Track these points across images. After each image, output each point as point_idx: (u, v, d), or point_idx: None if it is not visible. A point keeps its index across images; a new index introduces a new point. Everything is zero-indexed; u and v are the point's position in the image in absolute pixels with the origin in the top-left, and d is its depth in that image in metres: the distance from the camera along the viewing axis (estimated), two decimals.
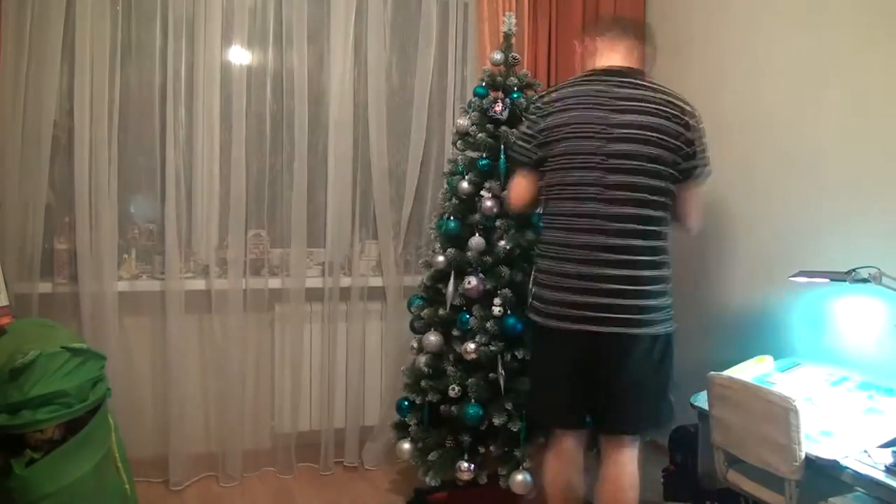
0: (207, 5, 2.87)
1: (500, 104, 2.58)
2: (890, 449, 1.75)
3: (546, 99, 2.11)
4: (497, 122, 2.58)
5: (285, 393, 3.09)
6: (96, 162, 2.74)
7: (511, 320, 2.38)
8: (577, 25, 3.32)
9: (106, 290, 2.78)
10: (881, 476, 1.67)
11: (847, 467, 1.73)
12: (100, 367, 2.15)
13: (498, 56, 2.67)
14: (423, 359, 2.61)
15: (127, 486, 2.21)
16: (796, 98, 2.61)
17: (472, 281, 2.46)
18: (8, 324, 2.14)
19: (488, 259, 2.49)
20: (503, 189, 2.52)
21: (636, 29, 2.23)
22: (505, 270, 2.45)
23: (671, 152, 1.96)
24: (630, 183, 1.95)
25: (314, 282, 3.12)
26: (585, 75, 2.09)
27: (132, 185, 2.95)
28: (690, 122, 2.01)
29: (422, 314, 2.61)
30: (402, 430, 2.68)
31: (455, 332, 2.54)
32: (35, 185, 2.68)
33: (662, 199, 1.99)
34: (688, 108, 2.03)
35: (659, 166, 1.95)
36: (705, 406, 2.11)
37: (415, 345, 2.70)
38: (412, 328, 2.73)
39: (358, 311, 3.18)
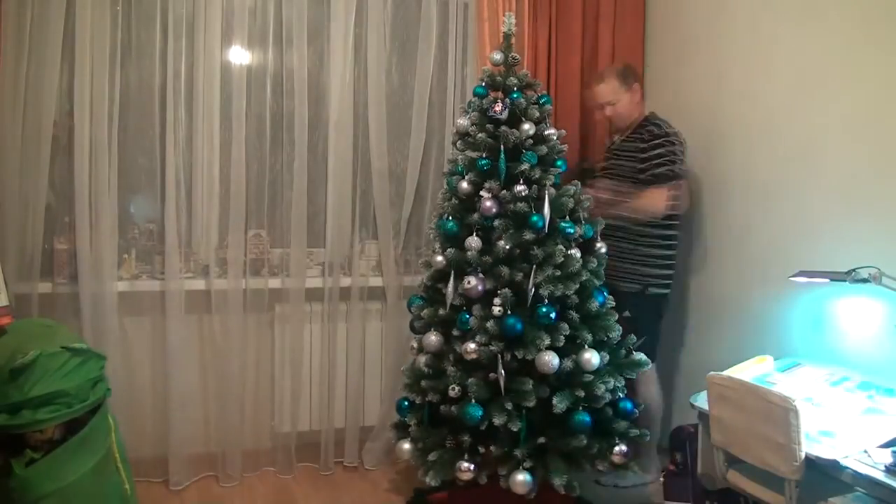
0: (207, 5, 2.87)
1: (500, 104, 2.58)
2: (890, 449, 1.75)
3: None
4: (497, 122, 2.58)
5: (285, 393, 3.09)
6: (96, 162, 2.74)
7: (511, 320, 2.38)
8: (577, 26, 3.33)
9: (106, 290, 2.78)
10: (881, 476, 1.67)
11: (847, 467, 1.73)
12: (100, 367, 2.15)
13: (498, 56, 2.67)
14: (423, 359, 2.61)
15: (127, 486, 2.21)
16: (796, 98, 2.61)
17: (471, 281, 2.46)
18: (8, 324, 2.14)
19: (488, 259, 2.49)
20: (503, 189, 2.52)
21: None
22: (505, 270, 2.45)
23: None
24: None
25: (314, 282, 3.12)
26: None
27: (132, 185, 2.95)
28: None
29: (422, 314, 2.61)
30: (402, 430, 2.68)
31: (455, 332, 2.53)
32: (35, 185, 2.68)
33: None
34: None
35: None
36: (705, 406, 2.11)
37: (415, 345, 2.70)
38: (412, 328, 2.73)
39: (358, 311, 3.18)
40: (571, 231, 2.48)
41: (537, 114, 2.59)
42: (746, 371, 2.26)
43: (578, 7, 3.32)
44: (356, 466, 3.15)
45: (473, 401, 2.38)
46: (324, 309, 3.13)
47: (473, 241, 2.51)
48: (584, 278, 2.50)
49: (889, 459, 1.70)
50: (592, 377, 2.42)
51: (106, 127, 2.76)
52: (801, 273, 2.36)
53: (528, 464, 2.36)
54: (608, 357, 2.51)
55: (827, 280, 2.28)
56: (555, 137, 2.63)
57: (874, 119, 2.32)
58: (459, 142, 2.66)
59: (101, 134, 2.74)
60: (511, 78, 2.64)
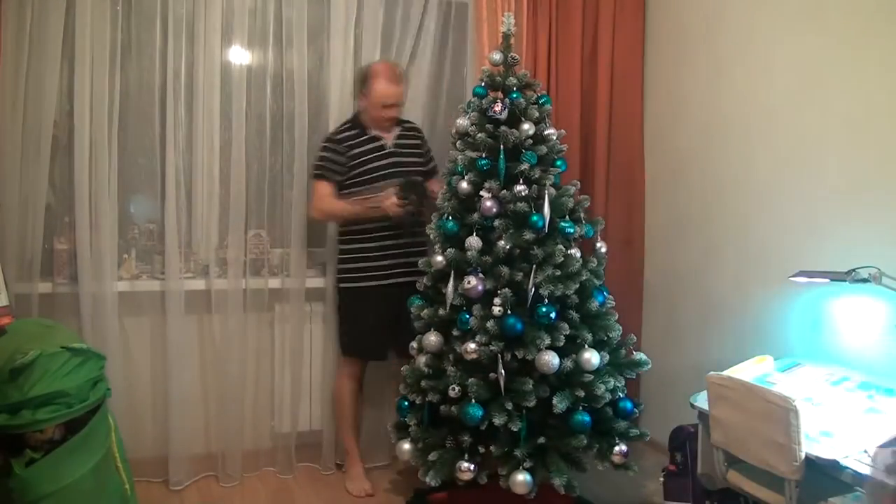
0: (207, 5, 2.87)
1: (500, 104, 2.58)
2: (890, 449, 1.75)
3: None
4: (496, 122, 2.58)
5: (285, 393, 3.09)
6: (96, 162, 2.75)
7: (511, 320, 2.38)
8: (577, 26, 3.33)
9: (106, 290, 2.78)
10: (881, 476, 1.67)
11: (847, 467, 1.73)
12: (100, 367, 2.15)
13: (497, 56, 2.67)
14: (423, 359, 2.61)
15: (127, 486, 2.21)
16: (796, 98, 2.61)
17: (471, 281, 2.45)
18: (8, 324, 2.14)
19: (488, 259, 2.49)
20: (503, 189, 2.53)
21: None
22: (505, 270, 2.45)
23: None
24: None
25: (314, 282, 3.12)
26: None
27: (132, 185, 2.95)
28: None
29: (422, 314, 2.61)
30: (402, 430, 2.68)
31: (455, 332, 2.53)
32: (35, 185, 2.68)
33: None
34: None
35: None
36: (705, 406, 2.11)
37: (415, 345, 2.70)
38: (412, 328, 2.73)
39: None
40: (571, 231, 2.48)
41: (537, 114, 2.59)
42: (746, 371, 2.26)
43: (578, 7, 3.32)
44: None
45: (473, 401, 2.38)
46: (324, 309, 3.13)
47: (473, 241, 2.50)
48: (584, 278, 2.50)
49: (889, 459, 1.70)
50: (592, 377, 2.42)
51: (106, 127, 2.76)
52: (801, 273, 2.36)
53: (528, 464, 2.36)
54: (608, 357, 2.51)
55: (827, 280, 2.28)
56: (554, 137, 2.63)
57: (874, 119, 2.32)
58: (459, 142, 2.66)
59: (101, 134, 2.74)
60: (511, 78, 2.64)
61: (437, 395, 2.51)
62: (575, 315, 2.49)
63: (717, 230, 3.00)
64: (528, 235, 2.45)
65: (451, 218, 2.59)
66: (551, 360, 2.35)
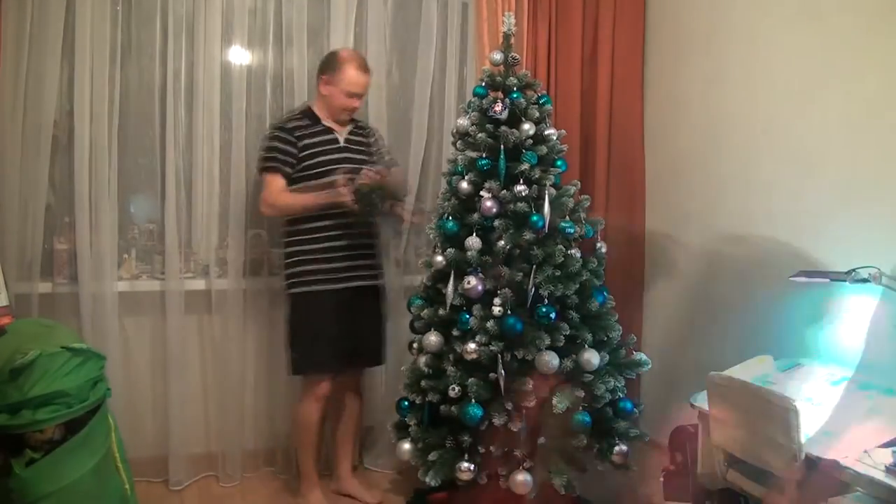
0: (207, 5, 2.87)
1: (500, 104, 2.58)
2: (890, 449, 1.75)
3: None
4: (497, 122, 2.58)
5: (285, 393, 3.09)
6: (96, 162, 2.75)
7: (511, 320, 2.38)
8: (577, 26, 3.33)
9: (106, 290, 2.78)
10: (881, 476, 1.67)
11: (847, 467, 1.73)
12: (100, 367, 2.15)
13: (497, 56, 2.67)
14: (423, 359, 2.61)
15: (127, 486, 2.20)
16: (796, 98, 2.61)
17: (471, 281, 2.45)
18: (8, 324, 2.14)
19: (488, 259, 2.49)
20: (503, 189, 2.52)
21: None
22: (505, 270, 2.45)
23: None
24: None
25: None
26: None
27: (132, 185, 2.95)
28: None
29: (422, 314, 2.61)
30: (402, 430, 2.68)
31: (455, 332, 2.53)
32: (35, 185, 2.68)
33: None
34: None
35: None
36: (705, 406, 2.11)
37: (415, 345, 2.70)
38: (412, 328, 2.73)
39: None
40: (571, 231, 2.48)
41: (537, 114, 2.59)
42: (746, 371, 2.26)
43: (578, 7, 3.32)
44: (356, 466, 3.15)
45: (473, 401, 2.38)
46: None
47: (473, 241, 2.50)
48: (584, 278, 2.50)
49: (889, 459, 1.70)
50: (592, 377, 2.42)
51: (106, 127, 2.76)
52: (801, 273, 2.35)
53: (528, 464, 2.36)
54: (608, 357, 2.51)
55: (827, 280, 2.28)
56: (555, 137, 2.63)
57: (874, 119, 2.32)
58: (459, 142, 2.66)
59: (101, 134, 2.74)
60: (511, 78, 2.64)
61: (437, 395, 2.51)
62: (575, 315, 2.49)
63: (717, 230, 2.99)
64: (529, 235, 2.45)
65: (451, 218, 2.59)
66: (551, 360, 2.35)
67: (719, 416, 2.03)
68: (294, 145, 2.69)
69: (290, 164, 2.68)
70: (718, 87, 2.99)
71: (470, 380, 2.42)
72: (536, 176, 2.51)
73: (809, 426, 1.84)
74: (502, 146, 2.53)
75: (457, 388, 2.44)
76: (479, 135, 2.56)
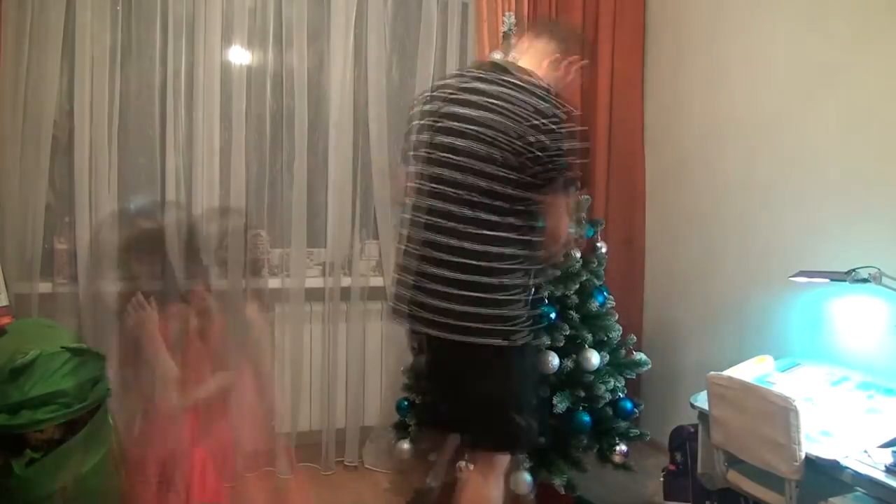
0: (207, 5, 2.86)
1: None
2: (890, 449, 1.75)
3: (425, 92, 2.07)
4: None
5: (285, 393, 3.09)
6: (96, 162, 2.74)
7: None
8: (576, 25, 3.32)
9: (106, 290, 2.78)
10: (881, 476, 1.67)
11: (847, 467, 1.73)
12: (100, 367, 2.15)
13: (497, 56, 2.67)
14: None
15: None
16: (796, 98, 2.61)
17: None
18: (8, 324, 2.14)
19: None
20: None
21: (559, 32, 2.06)
22: None
23: (512, 154, 1.76)
24: (455, 180, 1.81)
25: (314, 282, 3.12)
26: (463, 69, 2.03)
27: (132, 185, 2.95)
28: (543, 124, 1.76)
29: None
30: (401, 430, 2.68)
31: None
32: (35, 185, 2.68)
33: (498, 203, 1.79)
34: (547, 108, 1.78)
35: (492, 167, 1.78)
36: (705, 406, 2.11)
37: (415, 345, 2.70)
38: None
39: (358, 311, 3.17)
40: (571, 231, 2.48)
41: None
42: (746, 371, 2.26)
43: (578, 7, 3.32)
44: (356, 466, 3.15)
45: None
46: (324, 309, 3.13)
47: None
48: (584, 278, 2.51)
49: (889, 459, 1.70)
50: (592, 377, 2.42)
51: (106, 127, 2.76)
52: (801, 273, 2.36)
53: (528, 464, 2.36)
54: (608, 357, 2.51)
55: (827, 280, 2.28)
56: None
57: (874, 119, 2.32)
58: None
59: (101, 134, 2.74)
60: None
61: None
62: (575, 315, 2.49)
63: (717, 230, 2.99)
64: None
65: None
66: (551, 360, 2.35)
67: (719, 416, 2.03)
68: None
69: None
70: (718, 86, 2.99)
71: None
72: None
73: (809, 426, 1.84)
74: None
75: None
76: None
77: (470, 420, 1.91)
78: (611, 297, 2.61)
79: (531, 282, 1.87)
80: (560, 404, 2.35)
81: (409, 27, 3.27)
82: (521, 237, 1.83)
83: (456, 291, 1.79)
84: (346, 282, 3.15)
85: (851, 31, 2.41)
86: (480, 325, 1.78)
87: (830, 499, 1.81)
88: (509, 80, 1.83)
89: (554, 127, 1.77)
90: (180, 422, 1.97)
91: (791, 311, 2.60)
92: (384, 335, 3.25)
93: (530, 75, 1.87)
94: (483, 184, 1.79)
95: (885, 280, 2.11)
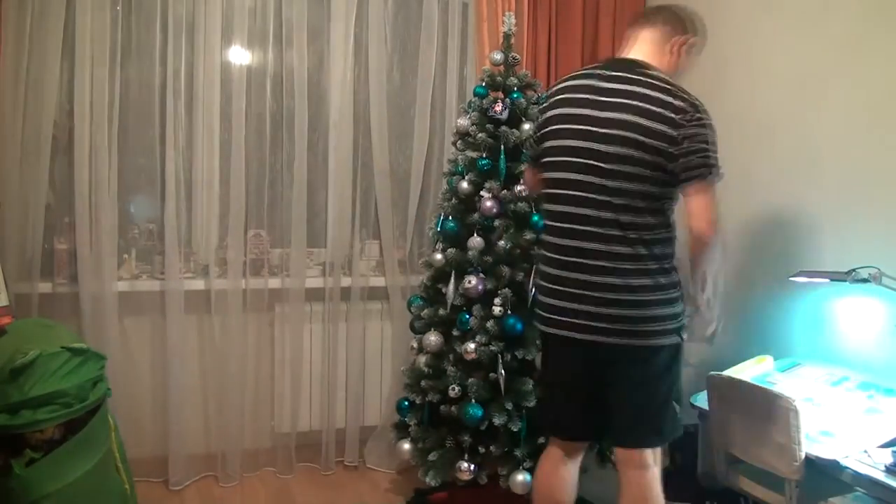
0: (207, 5, 2.86)
1: (500, 104, 2.58)
2: (890, 449, 1.75)
3: (547, 92, 2.06)
4: (497, 122, 2.58)
5: (285, 393, 3.09)
6: (96, 162, 2.74)
7: (511, 320, 2.38)
8: (577, 26, 3.32)
9: (106, 290, 2.78)
10: (881, 476, 1.67)
11: (847, 467, 1.73)
12: (100, 367, 2.15)
13: (498, 56, 2.67)
14: (423, 359, 2.61)
15: (127, 486, 2.21)
16: (796, 98, 2.61)
17: (472, 280, 2.46)
18: (8, 324, 2.14)
19: (489, 259, 2.49)
20: (503, 189, 2.53)
21: (666, 15, 2.00)
22: (506, 270, 2.45)
23: (653, 154, 1.76)
24: (604, 185, 1.80)
25: (314, 282, 3.12)
26: (585, 68, 1.99)
27: (132, 185, 2.95)
28: (680, 118, 1.75)
29: (422, 314, 2.62)
30: (402, 430, 2.68)
31: (455, 332, 2.54)
32: (35, 185, 2.68)
33: (644, 204, 1.79)
34: (682, 104, 1.77)
35: (639, 168, 1.77)
36: (705, 406, 2.11)
37: (415, 345, 2.70)
38: (412, 328, 2.73)
39: (358, 311, 3.17)
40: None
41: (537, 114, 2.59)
42: (746, 371, 2.26)
43: (578, 7, 3.32)
44: (356, 466, 3.15)
45: (473, 401, 2.38)
46: (324, 309, 3.13)
47: (475, 241, 2.51)
48: None
49: (889, 459, 1.70)
50: None
51: (106, 127, 2.76)
52: (801, 273, 2.36)
53: (528, 464, 2.36)
54: None
55: (827, 280, 2.28)
56: None
57: (874, 119, 2.32)
58: (459, 142, 2.67)
59: (101, 134, 2.74)
60: (511, 78, 2.65)
61: (437, 395, 2.52)
62: None
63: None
64: (529, 235, 2.45)
65: (451, 218, 2.59)
66: None
67: (719, 416, 2.03)
68: None
69: None
70: (718, 86, 2.99)
71: (470, 380, 2.42)
72: None
73: (809, 426, 1.84)
74: (503, 146, 2.54)
75: (457, 388, 2.44)
76: (480, 135, 2.57)
77: (635, 422, 1.87)
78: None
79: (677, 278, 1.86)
80: None
81: (410, 27, 3.27)
82: (668, 235, 1.85)
83: (628, 297, 1.79)
84: (346, 282, 3.15)
85: (851, 31, 2.41)
86: (658, 327, 1.80)
87: (830, 499, 1.81)
88: (643, 78, 1.82)
89: (688, 120, 1.76)
90: None
91: (791, 311, 2.60)
92: (384, 335, 3.25)
93: (655, 70, 1.86)
94: (632, 186, 1.78)
95: (885, 280, 2.11)
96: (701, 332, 1.92)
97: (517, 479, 2.36)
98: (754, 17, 2.81)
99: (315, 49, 3.12)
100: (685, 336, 1.87)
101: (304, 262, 3.09)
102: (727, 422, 2.00)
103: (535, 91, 2.69)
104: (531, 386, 2.38)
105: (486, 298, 2.48)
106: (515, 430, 2.37)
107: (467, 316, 2.48)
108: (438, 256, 2.58)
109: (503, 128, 2.55)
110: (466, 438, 2.45)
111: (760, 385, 1.97)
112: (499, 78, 2.66)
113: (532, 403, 2.37)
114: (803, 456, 1.77)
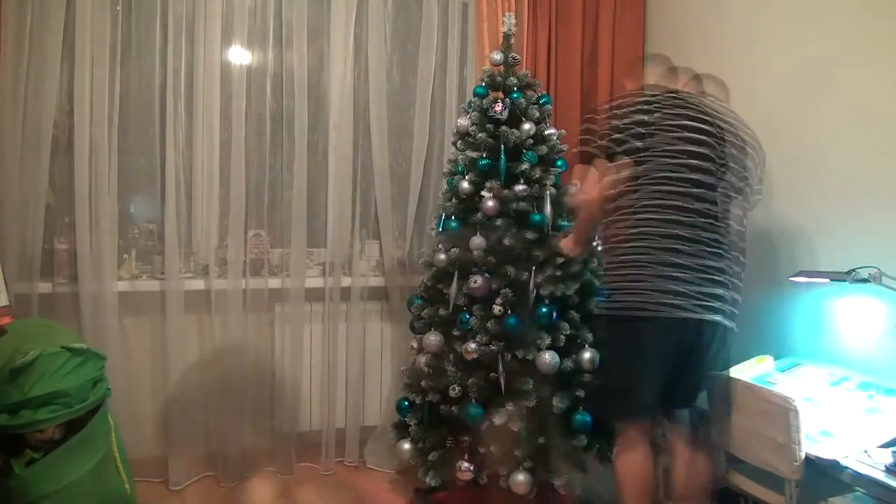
0: (207, 5, 2.87)
1: (500, 104, 2.58)
2: (890, 449, 1.75)
3: None
4: (497, 122, 2.58)
5: (285, 393, 3.09)
6: (96, 162, 2.74)
7: (512, 320, 2.38)
8: (577, 26, 3.33)
9: (106, 290, 2.78)
10: (881, 476, 1.67)
11: (847, 467, 1.73)
12: (100, 367, 2.15)
13: (498, 56, 2.67)
14: (423, 359, 2.61)
15: (127, 486, 2.21)
16: (796, 98, 2.61)
17: (478, 280, 2.45)
18: (8, 324, 2.14)
19: (492, 259, 2.49)
20: (504, 188, 2.52)
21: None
22: (510, 270, 2.45)
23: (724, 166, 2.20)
24: (703, 182, 2.14)
25: (314, 282, 3.12)
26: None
27: (132, 185, 2.95)
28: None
29: (422, 314, 2.61)
30: (402, 430, 2.68)
31: (455, 332, 2.53)
32: (35, 185, 2.68)
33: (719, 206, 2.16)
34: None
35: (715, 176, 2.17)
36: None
37: (415, 345, 2.70)
38: (412, 328, 2.73)
39: (358, 311, 3.17)
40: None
41: (537, 114, 2.60)
42: (746, 371, 2.26)
43: (578, 7, 3.32)
44: (356, 466, 3.15)
45: (473, 401, 2.38)
46: (324, 309, 3.13)
47: (478, 241, 2.51)
48: (584, 278, 2.50)
49: (889, 459, 1.70)
50: (592, 377, 2.42)
51: (106, 127, 2.76)
52: (801, 273, 2.36)
53: (528, 464, 2.36)
54: None
55: (827, 280, 2.28)
56: (555, 137, 2.63)
57: (874, 119, 2.32)
58: (460, 142, 2.67)
59: (101, 134, 2.74)
60: (511, 78, 2.65)
61: (437, 395, 2.51)
62: (575, 315, 2.49)
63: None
64: (530, 235, 2.45)
65: (452, 218, 2.59)
66: (551, 360, 2.35)
67: (719, 416, 2.03)
68: None
69: None
70: None
71: (470, 380, 2.42)
72: (537, 175, 2.51)
73: (809, 426, 1.84)
74: (503, 146, 2.54)
75: (457, 388, 2.44)
76: (480, 135, 2.57)
77: (700, 382, 2.14)
78: None
79: None
80: (560, 404, 2.35)
81: (410, 27, 3.27)
82: None
83: (733, 280, 2.15)
84: (346, 282, 3.15)
85: (851, 31, 2.41)
86: (734, 309, 2.16)
87: (830, 499, 1.81)
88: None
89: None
90: None
91: (791, 311, 2.60)
92: (384, 335, 3.25)
93: None
94: (715, 184, 2.12)
95: (885, 280, 2.11)
96: None
97: (517, 479, 2.36)
98: (754, 16, 2.81)
99: (315, 49, 3.12)
100: None
101: (304, 262, 3.09)
102: (727, 422, 2.00)
103: (535, 91, 2.69)
104: (531, 386, 2.38)
105: (486, 298, 2.48)
106: (515, 430, 2.37)
107: (468, 316, 2.48)
108: (441, 256, 2.58)
109: (503, 128, 2.55)
110: (466, 438, 2.45)
111: (760, 385, 1.97)
112: (499, 78, 2.66)
113: (532, 403, 2.37)
114: (803, 456, 1.77)
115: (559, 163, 2.64)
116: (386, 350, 3.25)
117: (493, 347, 2.40)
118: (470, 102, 2.70)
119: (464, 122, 2.64)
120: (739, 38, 2.88)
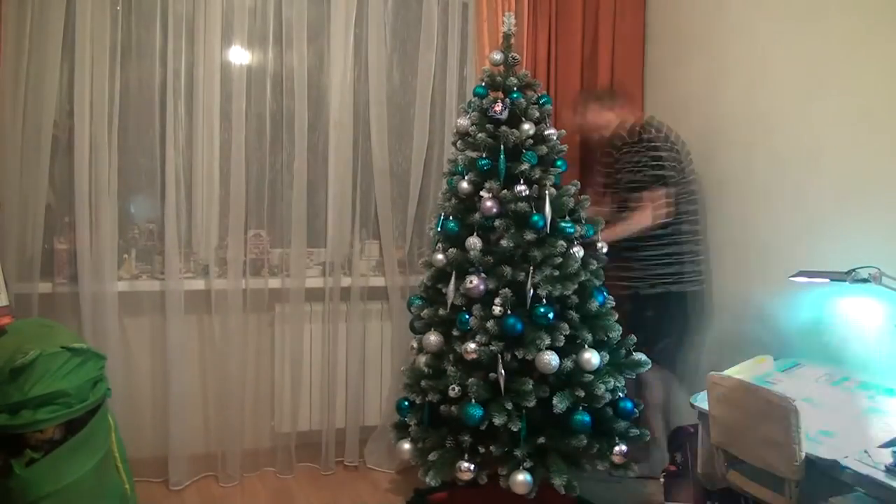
0: (207, 5, 2.87)
1: (500, 104, 2.58)
2: (890, 449, 1.75)
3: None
4: (497, 122, 2.58)
5: (285, 393, 3.09)
6: (96, 162, 2.74)
7: (511, 320, 2.38)
8: (577, 26, 3.33)
9: (106, 290, 2.78)
10: (881, 476, 1.67)
11: (847, 467, 1.73)
12: (100, 367, 2.15)
13: (498, 56, 2.67)
14: (423, 359, 2.61)
15: (127, 486, 2.21)
16: (796, 98, 2.61)
17: (473, 280, 2.45)
18: (8, 324, 2.14)
19: (489, 259, 2.49)
20: (503, 189, 2.52)
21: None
22: (507, 270, 2.45)
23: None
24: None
25: (314, 282, 3.12)
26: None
27: (132, 185, 2.95)
28: None
29: (422, 314, 2.61)
30: (402, 430, 2.68)
31: (455, 332, 2.53)
32: (35, 185, 2.68)
33: None
34: None
35: None
36: (705, 406, 2.11)
37: (415, 345, 2.70)
38: (412, 328, 2.73)
39: (358, 311, 3.18)
40: (572, 231, 2.48)
41: (537, 114, 2.59)
42: (746, 371, 2.26)
43: (578, 7, 3.32)
44: (356, 466, 3.15)
45: (473, 401, 2.38)
46: (324, 309, 3.13)
47: (475, 241, 2.50)
48: (583, 278, 2.50)
49: (889, 459, 1.70)
50: (592, 377, 2.42)
51: (106, 127, 2.76)
52: (801, 273, 2.36)
53: (528, 464, 2.36)
54: (608, 357, 2.51)
55: (827, 280, 2.28)
56: (555, 137, 2.63)
57: (874, 119, 2.32)
58: (459, 142, 2.66)
59: (101, 134, 2.74)
60: (511, 78, 2.64)
61: (437, 395, 2.51)
62: (575, 315, 2.49)
63: (716, 230, 3.00)
64: (529, 235, 2.45)
65: (451, 218, 2.59)
66: (551, 360, 2.35)
67: (719, 416, 2.03)
68: None
69: None
70: (718, 87, 2.99)
71: (470, 380, 2.42)
72: (537, 176, 2.51)
73: (809, 426, 1.84)
74: (502, 146, 2.53)
75: (457, 388, 2.44)
76: (480, 135, 2.57)
77: None
78: (610, 297, 2.61)
79: None
80: (560, 404, 2.35)
81: (410, 27, 3.27)
82: None
83: None
84: (346, 282, 3.15)
85: (851, 31, 2.41)
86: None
87: (830, 499, 1.81)
88: None
89: None
90: None
91: (791, 311, 2.60)
92: (384, 335, 3.25)
93: None
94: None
95: (885, 280, 2.11)
96: None
97: (517, 479, 2.35)
98: (754, 17, 2.81)
99: (315, 49, 3.12)
100: None
101: (304, 262, 3.09)
102: (727, 422, 2.00)
103: (535, 91, 2.69)
104: (531, 386, 2.38)
105: (485, 298, 2.48)
106: (515, 430, 2.37)
107: (467, 316, 2.48)
108: (440, 256, 2.57)
109: (503, 128, 2.55)
110: (466, 438, 2.45)
111: (760, 385, 1.97)
112: (499, 78, 2.66)
113: (532, 403, 2.37)
114: (803, 456, 1.77)
115: (559, 163, 2.63)
116: (386, 350, 3.25)
117: (492, 347, 2.40)
118: (470, 102, 2.70)
119: (463, 122, 2.64)
120: (739, 38, 2.89)
